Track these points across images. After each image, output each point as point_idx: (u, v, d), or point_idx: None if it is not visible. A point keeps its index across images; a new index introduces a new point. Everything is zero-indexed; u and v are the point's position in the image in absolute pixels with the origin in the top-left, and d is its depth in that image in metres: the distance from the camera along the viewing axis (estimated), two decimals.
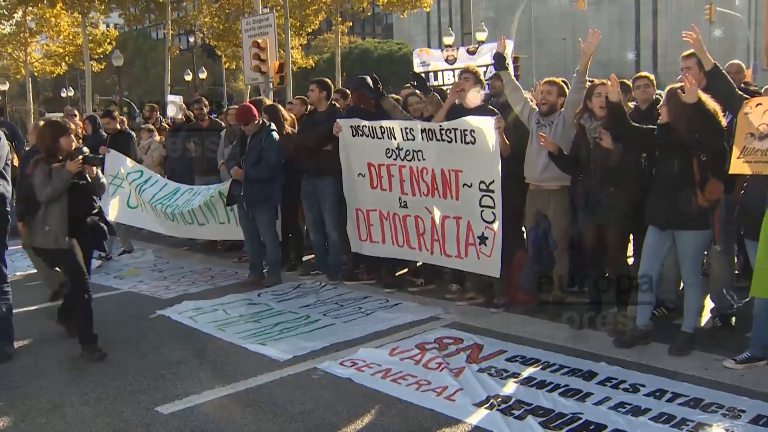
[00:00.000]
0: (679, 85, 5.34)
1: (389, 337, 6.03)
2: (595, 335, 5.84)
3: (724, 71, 5.70)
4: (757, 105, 5.08)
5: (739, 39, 47.95)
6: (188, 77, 49.06)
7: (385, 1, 32.99)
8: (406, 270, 7.81)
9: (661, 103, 5.42)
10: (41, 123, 6.66)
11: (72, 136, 5.93)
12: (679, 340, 5.45)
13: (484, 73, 8.65)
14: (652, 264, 5.52)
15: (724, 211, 5.65)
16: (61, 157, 5.74)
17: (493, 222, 6.29)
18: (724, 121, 5.25)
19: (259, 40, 17.87)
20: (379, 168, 7.15)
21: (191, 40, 54.46)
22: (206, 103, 10.50)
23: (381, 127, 7.02)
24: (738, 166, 5.07)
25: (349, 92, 8.74)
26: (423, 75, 9.64)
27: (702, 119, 5.12)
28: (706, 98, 5.18)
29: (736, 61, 7.49)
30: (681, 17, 49.12)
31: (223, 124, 9.94)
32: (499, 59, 6.80)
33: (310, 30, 34.17)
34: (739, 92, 5.66)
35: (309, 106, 8.63)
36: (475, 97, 6.65)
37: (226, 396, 4.95)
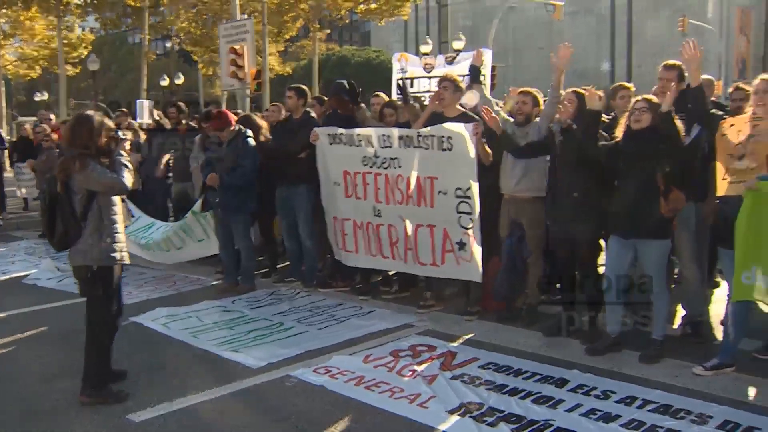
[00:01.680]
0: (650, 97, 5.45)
1: (363, 344, 6.04)
2: (567, 343, 5.90)
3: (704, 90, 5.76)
4: (731, 126, 5.19)
5: (710, 51, 48.68)
6: (164, 82, 48.76)
7: (363, 8, 33.09)
8: (380, 278, 7.83)
9: (633, 110, 5.45)
10: (67, 122, 6.31)
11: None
12: (650, 348, 5.51)
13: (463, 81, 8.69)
14: (618, 273, 5.58)
15: (694, 221, 5.75)
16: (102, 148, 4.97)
17: (471, 228, 6.33)
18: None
19: (237, 46, 17.84)
20: (355, 176, 7.17)
21: (168, 45, 54.16)
22: (182, 108, 10.46)
23: (358, 134, 7.05)
24: (724, 187, 5.17)
25: (326, 99, 8.75)
26: (402, 82, 9.67)
27: (669, 129, 5.22)
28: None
29: (707, 76, 7.58)
30: (655, 28, 49.74)
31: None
32: (474, 72, 6.86)
33: (287, 36, 34.16)
34: (715, 110, 5.77)
35: (286, 113, 8.63)
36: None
37: (199, 403, 4.92)
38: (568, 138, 5.79)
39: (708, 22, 46.64)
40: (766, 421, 4.41)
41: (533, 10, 43.67)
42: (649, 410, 4.61)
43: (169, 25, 39.46)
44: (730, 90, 6.66)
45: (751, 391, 4.96)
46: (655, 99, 5.47)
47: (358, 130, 7.09)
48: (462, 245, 6.38)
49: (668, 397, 4.79)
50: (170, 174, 9.81)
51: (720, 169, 5.18)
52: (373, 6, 32.43)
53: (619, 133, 5.52)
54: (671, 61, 6.04)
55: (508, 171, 6.37)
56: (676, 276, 6.50)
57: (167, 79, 49.88)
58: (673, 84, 5.62)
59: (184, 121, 10.15)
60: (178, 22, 35.77)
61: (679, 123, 5.32)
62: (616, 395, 4.84)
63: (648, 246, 5.44)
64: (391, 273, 7.65)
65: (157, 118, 10.71)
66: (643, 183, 5.31)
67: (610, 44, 41.86)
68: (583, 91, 5.85)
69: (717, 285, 7.01)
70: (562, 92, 6.16)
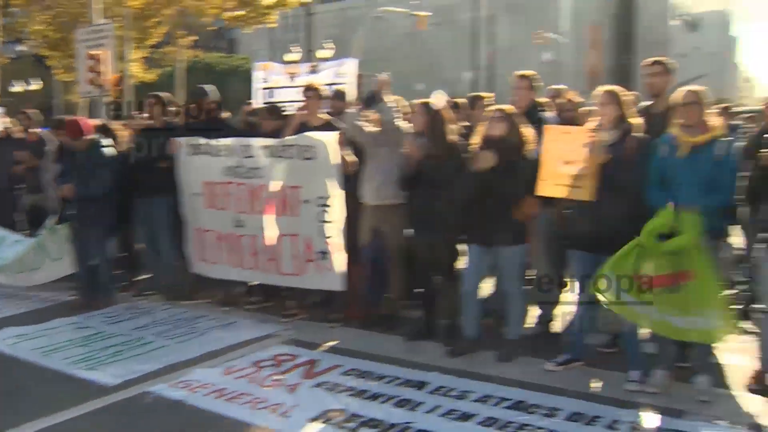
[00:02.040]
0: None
1: (224, 356, 5.94)
2: (428, 347, 6.02)
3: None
4: (564, 133, 5.39)
5: (566, 63, 51.28)
6: (17, 88, 46.14)
7: (230, 15, 32.58)
8: (244, 288, 7.72)
9: (490, 119, 5.67)
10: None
11: None
12: (505, 348, 5.74)
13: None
14: (475, 279, 5.78)
15: (546, 227, 6.04)
16: None
17: (333, 237, 6.37)
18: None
19: (96, 52, 17.13)
20: (217, 187, 7.06)
21: (20, 48, 51.28)
22: (31, 115, 9.91)
23: (220, 144, 6.96)
24: (545, 188, 5.35)
25: (189, 107, 8.56)
26: (267, 91, 9.57)
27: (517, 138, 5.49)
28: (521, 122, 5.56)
29: (556, 87, 7.96)
30: (514, 40, 51.87)
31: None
32: (370, 97, 6.86)
33: (152, 43, 33.13)
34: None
35: (147, 122, 8.38)
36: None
37: (49, 427, 4.67)
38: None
39: (562, 35, 49.12)
40: (609, 411, 4.71)
41: (399, 21, 44.53)
42: (504, 407, 4.80)
43: (21, 28, 37.36)
44: (563, 100, 7.03)
45: (597, 383, 5.26)
46: (511, 108, 5.72)
47: (220, 140, 7.01)
48: (324, 254, 6.41)
49: (522, 394, 5.00)
50: (20, 186, 9.30)
51: (546, 172, 5.33)
52: (239, 13, 32.00)
53: (476, 141, 5.72)
54: (522, 72, 6.34)
55: (368, 179, 6.46)
56: (530, 278, 6.77)
57: (22, 84, 47.22)
58: (523, 91, 5.90)
59: (32, 129, 9.64)
60: (31, 25, 33.92)
61: (528, 131, 5.59)
62: (473, 395, 5.01)
63: (505, 252, 5.67)
64: (254, 283, 7.57)
65: (9, 125, 10.09)
66: (499, 191, 5.51)
67: (471, 54, 43.26)
68: (431, 101, 6.02)
69: (566, 285, 7.37)
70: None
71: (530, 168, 5.37)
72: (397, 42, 59.60)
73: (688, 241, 4.69)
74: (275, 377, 5.41)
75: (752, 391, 5.08)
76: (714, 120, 5.01)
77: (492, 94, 7.38)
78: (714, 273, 4.76)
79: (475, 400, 4.92)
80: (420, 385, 5.21)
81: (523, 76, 6.34)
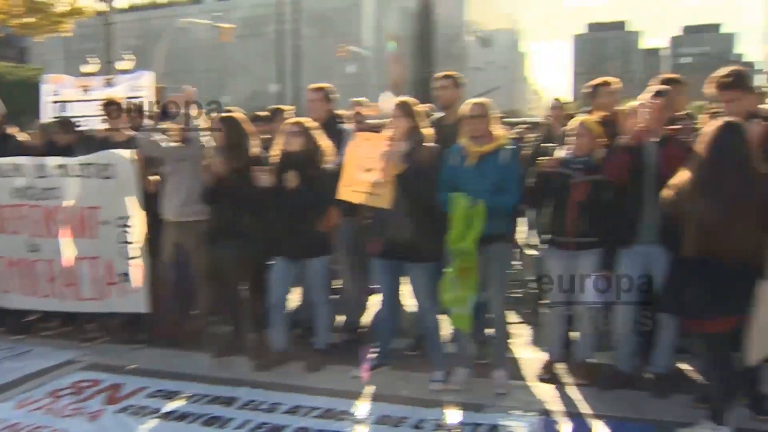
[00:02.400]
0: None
1: (18, 388, 5.53)
2: (237, 362, 5.97)
3: None
4: (366, 140, 5.57)
5: (369, 75, 52.84)
6: None
7: (17, 23, 30.41)
8: (38, 314, 7.22)
9: (286, 133, 5.73)
10: None
11: None
12: (314, 358, 5.82)
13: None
14: (281, 291, 5.81)
15: (350, 235, 6.20)
16: None
17: (134, 258, 6.17)
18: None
19: None
20: (5, 210, 6.59)
21: None
22: None
23: (8, 164, 6.50)
24: (346, 194, 5.49)
25: None
26: (58, 105, 9.04)
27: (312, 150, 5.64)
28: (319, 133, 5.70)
29: (357, 99, 8.18)
30: (320, 53, 52.62)
31: None
32: (169, 111, 6.62)
33: None
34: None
35: None
36: (388, 102, 6.40)
37: None
38: None
39: (366, 49, 50.52)
40: (415, 411, 4.93)
41: (202, 32, 43.73)
42: (313, 417, 4.88)
43: None
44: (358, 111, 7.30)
45: (403, 385, 5.46)
46: (308, 121, 5.82)
47: (8, 159, 6.55)
48: (126, 276, 6.20)
49: (331, 402, 5.10)
50: None
51: (347, 178, 5.47)
52: (28, 20, 29.94)
53: (275, 154, 5.76)
54: (317, 84, 6.48)
55: (170, 195, 6.30)
56: (336, 287, 6.90)
57: None
58: (318, 103, 6.06)
59: None
60: None
61: (326, 144, 5.72)
62: (283, 406, 5.04)
63: (311, 263, 5.75)
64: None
65: None
66: (302, 202, 5.57)
67: (278, 67, 43.34)
68: (233, 115, 6.02)
69: (372, 292, 7.59)
70: None
71: (330, 180, 5.49)
72: (202, 54, 58.51)
73: (478, 233, 4.98)
74: (75, 406, 5.14)
75: (543, 380, 5.54)
76: (499, 130, 5.39)
77: (293, 107, 7.47)
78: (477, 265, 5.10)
79: (285, 412, 4.96)
80: (229, 401, 5.16)
81: (317, 89, 6.47)
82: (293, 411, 4.97)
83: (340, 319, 6.63)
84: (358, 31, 57.19)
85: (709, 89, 4.93)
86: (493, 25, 72.94)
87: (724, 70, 4.91)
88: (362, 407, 5.03)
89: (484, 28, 67.02)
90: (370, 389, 5.35)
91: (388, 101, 6.92)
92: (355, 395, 5.24)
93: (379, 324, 5.82)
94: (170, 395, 5.32)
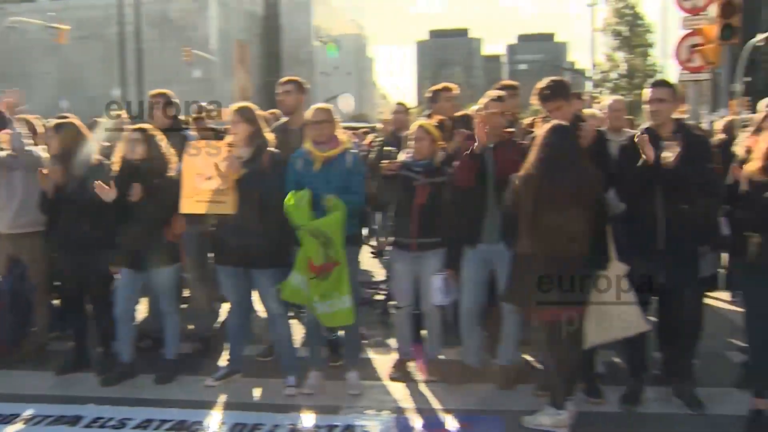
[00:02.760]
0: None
1: None
2: (82, 378, 5.72)
3: None
4: (203, 148, 5.38)
5: (216, 80, 51.93)
6: None
7: None
8: None
9: (131, 142, 5.57)
10: None
11: None
12: (164, 369, 5.69)
13: None
14: (127, 302, 5.66)
15: (197, 244, 6.10)
16: None
17: None
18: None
19: None
20: None
21: None
22: None
23: None
24: (188, 205, 5.37)
25: None
26: None
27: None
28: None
29: (202, 104, 8.03)
30: (164, 57, 51.02)
31: None
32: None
33: None
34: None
35: None
36: (348, 103, 5.99)
37: None
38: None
39: (211, 53, 49.52)
40: (269, 417, 4.93)
41: (36, 33, 41.21)
42: (165, 430, 4.77)
43: None
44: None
45: (257, 392, 5.47)
46: (150, 128, 5.68)
47: None
48: None
49: (184, 413, 5.00)
50: None
51: (188, 189, 5.36)
52: None
53: (116, 162, 5.60)
54: (158, 90, 6.40)
55: (2, 206, 5.95)
56: (185, 296, 6.77)
57: None
58: (160, 110, 5.99)
59: None
60: None
61: (169, 151, 5.62)
62: (133, 421, 4.89)
63: (160, 273, 5.62)
64: None
65: None
66: (143, 214, 5.45)
67: (120, 70, 41.71)
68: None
69: (223, 300, 7.50)
70: None
71: (174, 187, 5.39)
72: (36, 55, 55.23)
73: (337, 219, 5.04)
74: None
75: (394, 379, 5.67)
76: (342, 134, 5.50)
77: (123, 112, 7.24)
78: (347, 262, 5.17)
79: (135, 427, 4.82)
80: (75, 420, 4.94)
81: (158, 94, 6.34)
82: (144, 425, 4.83)
83: (190, 328, 6.52)
84: (204, 35, 55.99)
85: (534, 100, 5.25)
86: (339, 30, 73.56)
87: (543, 82, 5.23)
88: (216, 417, 4.97)
89: (331, 32, 67.50)
90: (223, 398, 5.29)
91: (347, 103, 6.90)
92: (209, 405, 5.16)
93: (230, 331, 5.76)
94: (7, 419, 4.99)
